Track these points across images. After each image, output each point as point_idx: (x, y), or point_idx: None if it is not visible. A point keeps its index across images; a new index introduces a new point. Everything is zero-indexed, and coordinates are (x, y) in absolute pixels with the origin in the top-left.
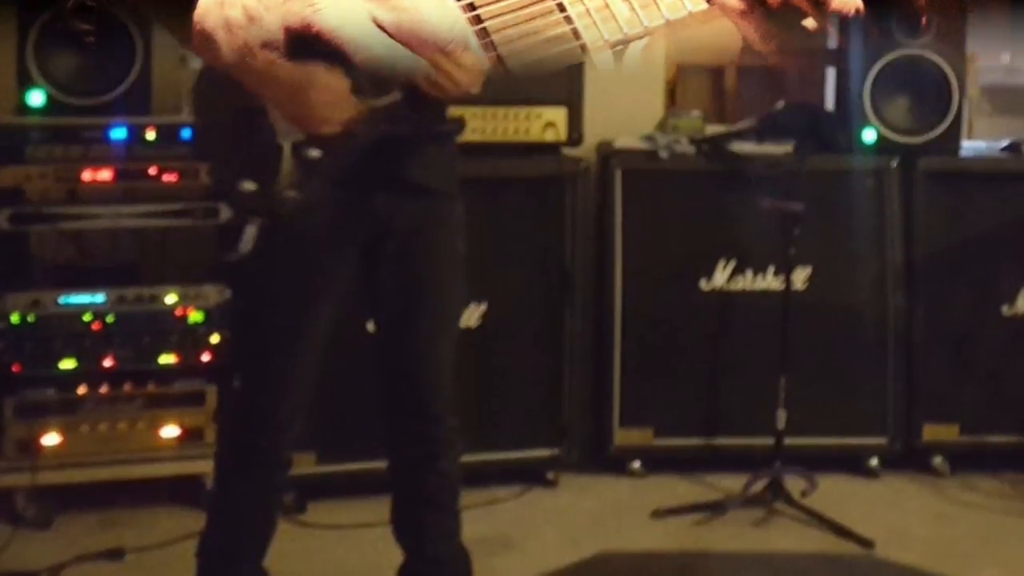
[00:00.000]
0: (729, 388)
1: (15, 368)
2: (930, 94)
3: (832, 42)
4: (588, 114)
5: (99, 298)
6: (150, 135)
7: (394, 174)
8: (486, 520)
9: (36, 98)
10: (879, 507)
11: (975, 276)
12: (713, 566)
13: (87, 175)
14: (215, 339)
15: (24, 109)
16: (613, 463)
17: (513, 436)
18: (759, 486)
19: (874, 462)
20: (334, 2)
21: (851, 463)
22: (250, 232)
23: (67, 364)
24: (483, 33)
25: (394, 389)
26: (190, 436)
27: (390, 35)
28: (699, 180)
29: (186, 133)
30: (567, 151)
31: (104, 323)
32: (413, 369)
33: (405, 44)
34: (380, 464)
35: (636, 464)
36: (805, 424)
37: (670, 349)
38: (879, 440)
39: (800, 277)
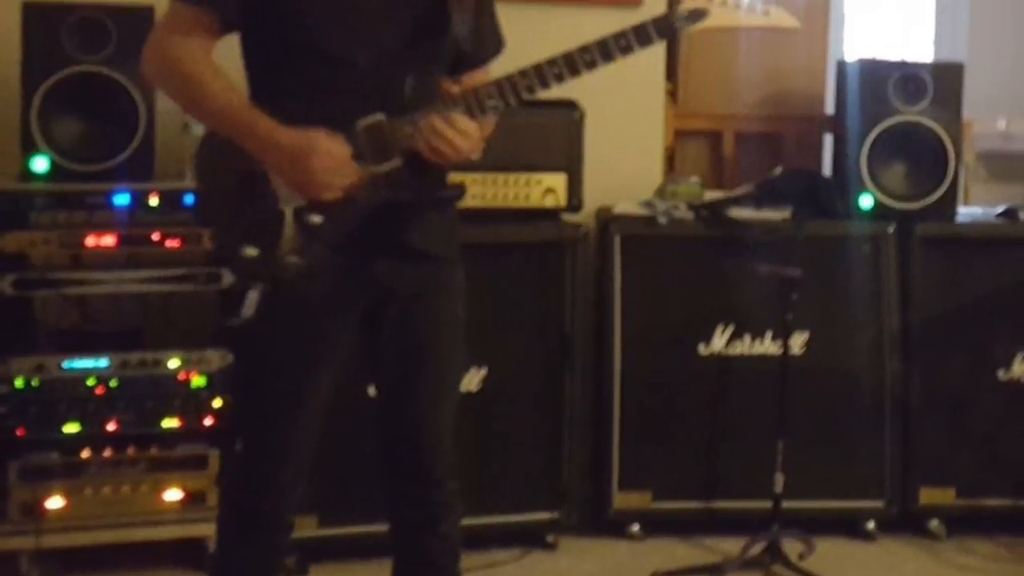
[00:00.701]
0: (727, 452)
1: (19, 432)
2: (927, 160)
3: (829, 108)
4: (587, 180)
5: (103, 362)
6: (153, 201)
7: (395, 240)
8: None
9: (40, 164)
10: (876, 570)
11: (971, 341)
12: None
13: (91, 240)
14: (217, 403)
15: (28, 175)
16: (612, 526)
17: (513, 499)
18: (757, 549)
19: (871, 525)
20: None
21: (848, 526)
22: (252, 297)
23: (71, 428)
24: None
25: (395, 453)
26: (193, 499)
27: None
28: (698, 245)
29: (189, 199)
30: (567, 217)
31: (107, 387)
32: (414, 433)
33: None
34: (381, 527)
35: (635, 527)
36: (803, 487)
37: (669, 413)
38: (876, 503)
39: (798, 342)
